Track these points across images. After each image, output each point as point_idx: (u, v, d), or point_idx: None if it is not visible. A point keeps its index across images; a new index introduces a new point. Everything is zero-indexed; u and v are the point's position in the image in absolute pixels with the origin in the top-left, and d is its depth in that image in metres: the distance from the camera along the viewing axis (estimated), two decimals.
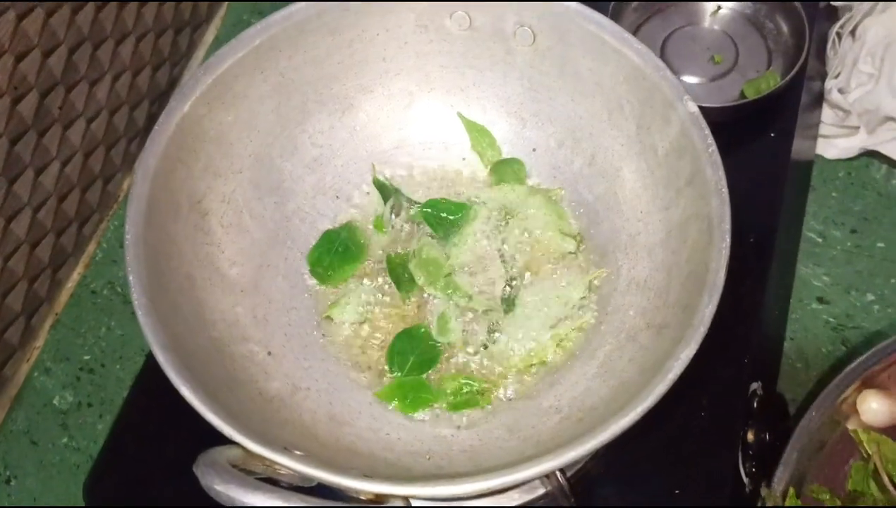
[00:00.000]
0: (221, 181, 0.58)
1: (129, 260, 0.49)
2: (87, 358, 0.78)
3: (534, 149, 0.63)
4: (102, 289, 0.81)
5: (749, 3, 0.76)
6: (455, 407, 0.56)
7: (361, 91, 0.63)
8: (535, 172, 0.64)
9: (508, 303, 0.59)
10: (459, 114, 0.64)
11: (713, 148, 0.50)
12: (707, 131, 0.51)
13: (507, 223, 0.61)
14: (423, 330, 0.59)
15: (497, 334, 0.58)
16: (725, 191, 0.49)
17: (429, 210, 0.62)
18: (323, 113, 0.63)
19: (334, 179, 0.64)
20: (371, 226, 0.63)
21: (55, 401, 0.76)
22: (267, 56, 0.58)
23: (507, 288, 0.59)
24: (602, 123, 0.59)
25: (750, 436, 0.59)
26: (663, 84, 0.54)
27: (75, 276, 0.82)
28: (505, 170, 0.64)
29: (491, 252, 0.60)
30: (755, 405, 0.60)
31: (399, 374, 0.57)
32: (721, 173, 0.50)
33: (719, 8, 0.76)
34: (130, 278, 0.49)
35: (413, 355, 0.58)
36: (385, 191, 0.63)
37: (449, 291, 0.59)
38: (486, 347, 0.58)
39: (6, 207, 0.71)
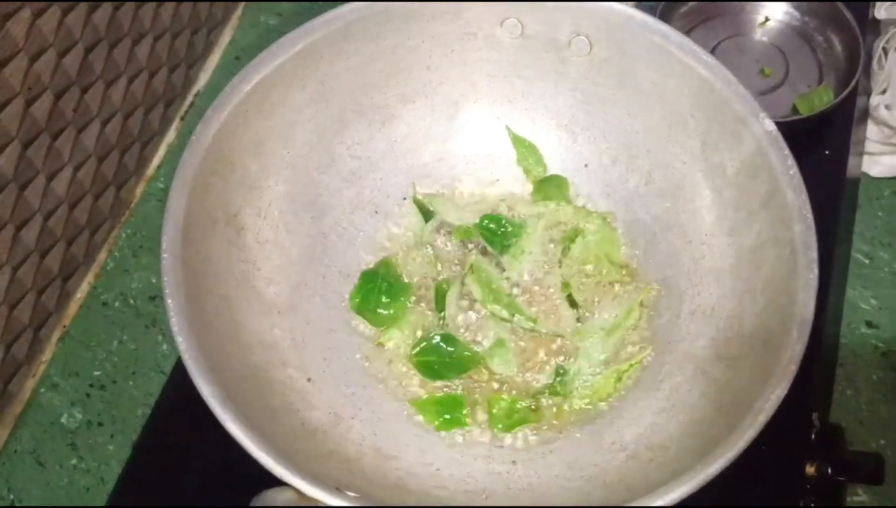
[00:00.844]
0: (257, 194, 0.55)
1: (166, 281, 0.46)
2: (97, 373, 0.74)
3: (585, 165, 0.60)
4: (114, 301, 0.77)
5: (797, 16, 0.73)
6: (508, 427, 0.52)
7: (403, 101, 0.60)
8: (586, 190, 0.60)
9: (581, 333, 0.55)
10: (507, 128, 0.60)
11: (794, 169, 0.47)
12: (787, 151, 0.48)
13: (565, 245, 0.58)
14: (460, 342, 0.55)
15: (566, 372, 0.54)
16: (810, 216, 0.46)
17: (485, 223, 0.58)
18: (362, 123, 0.59)
19: (373, 193, 0.60)
20: (411, 251, 0.60)
21: (63, 420, 0.72)
22: (307, 62, 0.55)
23: (576, 317, 0.56)
24: (662, 139, 0.56)
25: (811, 470, 0.56)
26: (735, 99, 0.51)
27: (85, 287, 0.78)
28: (548, 187, 0.61)
29: (553, 275, 0.57)
30: (813, 436, 0.57)
31: (416, 357, 0.54)
32: (804, 197, 0.46)
33: (767, 19, 0.73)
34: (169, 302, 0.45)
35: (438, 356, 0.55)
36: (425, 211, 0.60)
37: (512, 313, 0.55)
38: (556, 392, 0.54)
39: (16, 215, 0.67)
